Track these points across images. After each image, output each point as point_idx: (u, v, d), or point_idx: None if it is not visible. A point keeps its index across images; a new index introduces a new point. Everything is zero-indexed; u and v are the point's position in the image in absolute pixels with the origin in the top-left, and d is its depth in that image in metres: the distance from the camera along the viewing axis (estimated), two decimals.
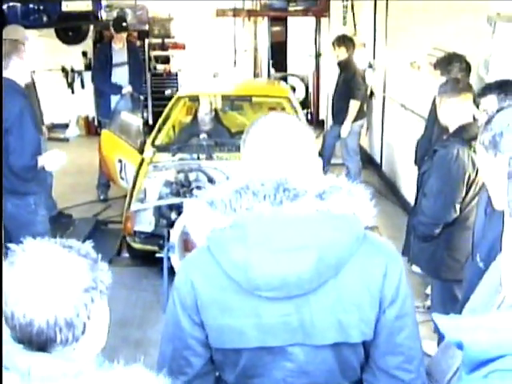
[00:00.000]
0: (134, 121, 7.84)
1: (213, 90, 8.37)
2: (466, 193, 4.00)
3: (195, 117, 7.80)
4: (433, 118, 5.18)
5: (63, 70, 12.53)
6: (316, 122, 12.51)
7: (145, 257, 6.27)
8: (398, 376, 1.93)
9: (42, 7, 10.25)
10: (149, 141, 7.18)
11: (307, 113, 12.79)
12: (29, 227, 4.78)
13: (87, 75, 12.01)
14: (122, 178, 7.41)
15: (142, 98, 9.30)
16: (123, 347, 4.75)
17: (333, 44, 8.51)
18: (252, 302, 1.84)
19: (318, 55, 12.68)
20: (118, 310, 5.25)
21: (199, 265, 1.94)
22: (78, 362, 1.48)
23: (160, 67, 12.91)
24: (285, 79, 12.31)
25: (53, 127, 11.32)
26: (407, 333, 1.92)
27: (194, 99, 8.03)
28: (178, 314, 1.95)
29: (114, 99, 8.63)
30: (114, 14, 11.51)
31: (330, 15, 11.63)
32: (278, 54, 14.16)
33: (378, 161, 9.58)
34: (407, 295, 1.93)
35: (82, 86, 12.58)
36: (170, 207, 6.00)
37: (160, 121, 7.69)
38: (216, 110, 8.02)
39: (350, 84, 8.34)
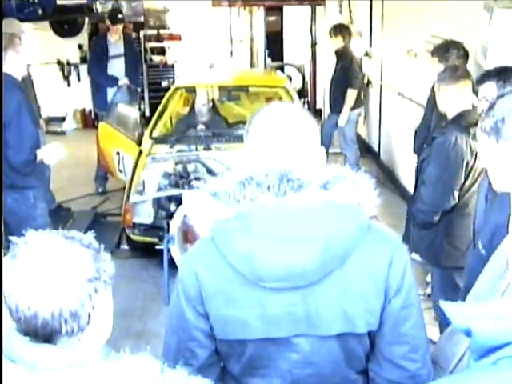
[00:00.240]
0: (131, 113, 7.82)
1: (210, 80, 8.35)
2: (465, 180, 3.99)
3: (192, 108, 7.79)
4: (431, 106, 5.18)
5: (59, 63, 12.48)
6: (313, 112, 12.49)
7: (144, 249, 6.28)
8: (404, 365, 1.93)
9: (36, 0, 10.19)
10: (146, 132, 7.16)
11: (304, 102, 12.77)
12: (29, 221, 4.78)
13: (83, 68, 12.00)
14: (120, 171, 7.41)
15: (138, 89, 9.27)
16: (125, 339, 4.75)
17: (329, 33, 8.49)
18: (256, 293, 1.83)
19: (314, 44, 12.66)
20: (119, 301, 5.20)
21: (203, 256, 1.93)
22: (84, 353, 1.48)
23: (156, 59, 12.87)
24: (281, 69, 12.27)
25: (49, 120, 11.29)
26: (412, 322, 1.91)
27: (191, 90, 8.01)
28: (183, 305, 1.94)
29: (111, 91, 8.60)
30: (109, 6, 11.46)
31: (325, 4, 11.58)
32: (274, 44, 14.15)
33: (376, 149, 9.57)
34: (412, 284, 1.92)
35: (78, 79, 12.54)
36: (169, 199, 6.00)
37: (157, 112, 7.67)
38: (213, 101, 8.01)
39: (347, 73, 8.33)
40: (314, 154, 1.90)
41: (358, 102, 8.55)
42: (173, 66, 12.81)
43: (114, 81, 8.64)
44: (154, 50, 12.91)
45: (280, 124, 1.86)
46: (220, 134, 7.09)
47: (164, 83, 12.23)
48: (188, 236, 5.88)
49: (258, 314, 1.85)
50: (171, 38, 13.07)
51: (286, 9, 14.17)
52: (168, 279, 5.60)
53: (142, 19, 12.82)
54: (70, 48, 12.44)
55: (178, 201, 5.86)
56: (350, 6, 10.32)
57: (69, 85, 12.64)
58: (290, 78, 10.96)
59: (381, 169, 9.05)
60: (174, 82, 11.18)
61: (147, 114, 11.72)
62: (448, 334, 2.12)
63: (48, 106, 10.10)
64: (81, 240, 1.55)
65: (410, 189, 6.78)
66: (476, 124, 3.79)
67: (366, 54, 9.43)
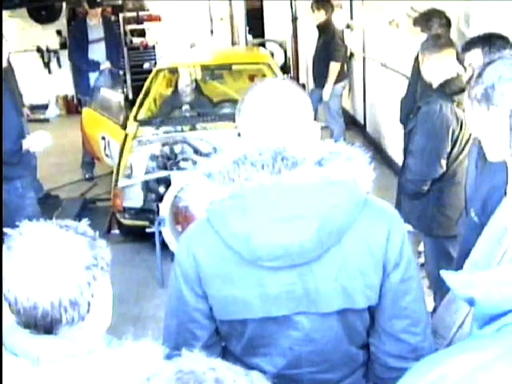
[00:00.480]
0: (115, 97, 7.76)
1: (192, 60, 8.29)
2: (452, 148, 3.99)
3: (176, 89, 7.75)
4: (416, 76, 5.17)
5: (38, 50, 12.38)
6: None
7: (136, 232, 6.26)
8: (405, 339, 1.93)
9: None
10: (131, 116, 7.11)
11: (287, 77, 12.73)
12: (19, 211, 4.76)
13: (63, 54, 11.90)
14: (106, 155, 7.38)
15: (120, 73, 9.22)
16: (121, 324, 4.74)
17: (311, 7, 8.46)
18: (255, 273, 1.83)
19: (294, 19, 12.58)
20: (113, 286, 5.24)
21: (200, 237, 1.92)
22: (87, 342, 1.48)
23: (136, 41, 12.78)
24: (263, 45, 12.23)
25: (32, 108, 11.22)
26: (412, 296, 1.91)
27: (174, 71, 7.97)
28: (181, 287, 1.94)
29: (93, 76, 8.56)
30: None
31: None
32: (255, 21, 14.07)
33: (362, 122, 9.57)
34: (411, 258, 1.92)
35: (59, 65, 12.46)
36: (158, 181, 5.98)
37: (141, 95, 7.63)
38: (196, 81, 7.97)
39: (329, 46, 8.31)
40: (307, 130, 1.88)
41: (342, 75, 8.54)
42: (154, 48, 12.73)
43: (95, 65, 8.59)
44: (133, 32, 12.83)
45: (273, 101, 1.84)
46: (205, 114, 7.07)
47: (146, 65, 12.13)
48: (179, 217, 5.87)
49: (257, 294, 1.85)
50: (151, 19, 12.99)
51: None
52: (161, 262, 5.61)
53: (120, 1, 12.71)
54: (49, 34, 12.34)
55: (167, 183, 5.86)
56: None
57: (49, 71, 12.56)
58: (272, 54, 10.92)
59: (367, 141, 9.05)
60: (155, 63, 11.12)
61: (130, 97, 11.65)
62: (446, 303, 2.13)
63: (30, 94, 10.03)
64: (76, 228, 1.54)
65: (398, 160, 6.80)
66: (461, 92, 3.83)
67: (348, 27, 9.39)
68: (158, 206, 5.77)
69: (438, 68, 4.08)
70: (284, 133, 1.82)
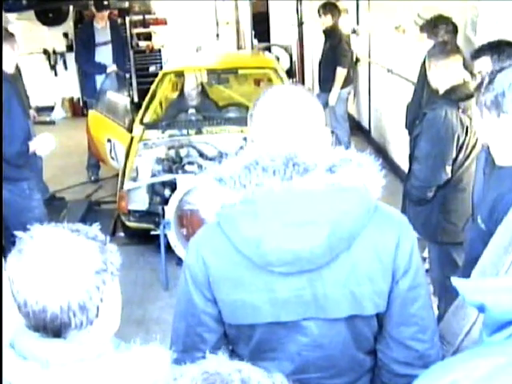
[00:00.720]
0: (121, 100, 7.78)
1: (198, 64, 8.31)
2: (457, 154, 3.99)
3: (182, 92, 7.76)
4: (422, 82, 5.17)
5: (45, 52, 12.40)
6: None
7: (140, 235, 6.27)
8: (413, 346, 1.94)
9: None
10: (137, 119, 7.13)
11: (292, 82, 12.74)
12: (25, 213, 4.79)
13: (70, 56, 11.93)
14: (112, 158, 7.39)
15: (127, 76, 9.23)
16: (125, 326, 4.75)
17: (318, 12, 8.47)
18: (265, 277, 1.83)
19: (300, 24, 12.60)
20: None
21: (209, 241, 1.93)
22: (95, 346, 1.48)
23: (142, 44, 12.79)
24: (268, 49, 12.24)
25: (38, 110, 11.22)
26: (420, 303, 1.92)
27: (180, 75, 7.98)
28: (190, 290, 1.94)
29: (99, 79, 8.57)
30: None
31: None
32: (261, 25, 14.08)
33: (367, 127, 9.57)
34: (419, 265, 1.92)
35: (65, 68, 12.47)
36: (163, 184, 5.99)
37: (147, 98, 7.64)
38: (202, 85, 7.98)
39: (336, 51, 8.32)
40: (319, 136, 1.89)
41: (348, 80, 8.55)
42: (160, 51, 12.74)
43: (102, 68, 8.60)
44: (140, 36, 12.84)
45: (285, 107, 1.85)
46: (211, 118, 7.08)
47: (151, 68, 12.18)
48: (184, 221, 5.88)
49: (266, 298, 1.86)
50: (157, 22, 13.00)
51: None
52: (165, 265, 5.62)
53: (126, 5, 12.73)
54: (56, 37, 12.35)
55: (172, 186, 5.86)
56: None
57: (56, 74, 12.57)
58: (278, 59, 10.94)
59: (372, 146, 9.04)
60: (161, 67, 11.13)
61: (136, 100, 11.67)
62: (454, 309, 2.13)
63: (36, 96, 10.05)
64: (86, 233, 1.54)
65: (403, 165, 6.79)
66: (467, 98, 3.83)
67: (354, 32, 9.39)
68: (163, 209, 5.77)
69: (445, 74, 4.08)
70: (295, 139, 1.83)
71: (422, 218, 4.25)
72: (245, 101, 7.71)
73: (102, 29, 8.89)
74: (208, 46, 12.45)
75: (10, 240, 4.80)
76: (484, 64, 3.42)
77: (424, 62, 4.71)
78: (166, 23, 13.04)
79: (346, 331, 1.92)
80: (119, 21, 11.83)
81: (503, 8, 4.42)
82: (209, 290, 1.92)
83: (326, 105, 8.41)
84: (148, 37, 12.87)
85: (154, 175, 6.09)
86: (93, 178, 8.55)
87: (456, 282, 1.27)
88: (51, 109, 12.40)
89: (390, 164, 8.01)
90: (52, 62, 12.49)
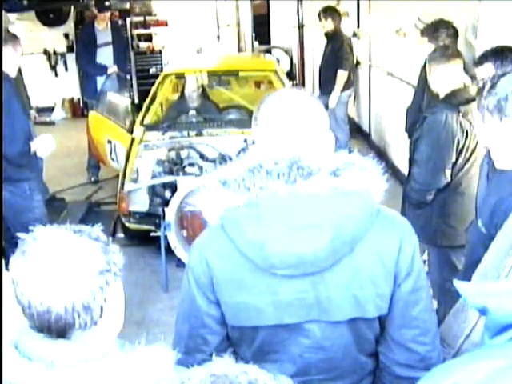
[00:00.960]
0: (122, 101, 7.79)
1: (200, 66, 8.32)
2: (457, 158, 4.00)
3: (182, 94, 7.78)
4: (422, 85, 5.19)
5: (45, 52, 12.41)
6: None
7: (140, 236, 6.28)
8: (414, 348, 1.95)
9: None
10: (138, 120, 7.13)
11: (293, 85, 12.75)
12: (26, 213, 4.79)
13: (70, 57, 11.95)
14: (112, 159, 7.39)
15: (127, 77, 9.23)
16: (125, 327, 4.76)
17: (319, 16, 8.48)
18: (268, 280, 1.84)
19: (301, 26, 12.61)
20: None
21: (213, 243, 1.93)
22: (100, 346, 1.49)
23: (143, 45, 12.81)
24: (269, 52, 12.25)
25: (38, 111, 11.24)
26: (422, 306, 1.93)
27: (181, 76, 7.99)
28: (194, 292, 1.95)
29: (100, 80, 8.57)
30: None
31: None
32: (261, 27, 14.10)
33: (367, 130, 9.58)
34: (421, 268, 1.94)
35: (66, 68, 12.50)
36: (164, 186, 6.00)
37: (148, 100, 7.65)
38: (203, 86, 7.99)
39: (337, 54, 8.33)
40: (323, 140, 1.90)
41: (349, 83, 8.56)
42: (160, 52, 12.76)
43: (103, 69, 8.59)
44: (140, 37, 12.86)
45: (290, 111, 1.86)
46: (211, 120, 7.09)
47: (152, 70, 12.19)
48: (184, 222, 5.89)
49: (270, 301, 1.87)
50: (158, 24, 13.02)
51: None
52: (165, 266, 5.62)
53: (127, 6, 12.74)
54: (56, 37, 12.38)
55: (173, 187, 5.87)
56: None
57: (56, 74, 12.59)
58: (278, 61, 10.95)
59: (372, 149, 9.06)
60: (161, 68, 11.14)
61: (136, 101, 11.67)
62: (455, 312, 2.15)
63: (36, 97, 10.05)
64: (89, 233, 1.55)
65: (402, 168, 6.81)
66: (467, 102, 3.84)
67: (354, 35, 9.41)
68: (163, 211, 5.78)
69: (446, 78, 4.09)
70: (300, 142, 1.84)
71: (421, 221, 4.26)
72: (245, 103, 7.73)
73: (103, 30, 8.89)
74: (209, 48, 12.47)
75: (11, 241, 4.83)
76: (487, 71, 3.43)
77: (424, 65, 4.72)
78: (166, 24, 13.06)
79: (349, 334, 1.94)
80: (120, 22, 11.84)
81: (504, 12, 4.43)
82: (212, 292, 1.93)
83: (326, 107, 8.28)
84: (149, 38, 12.88)
85: (154, 177, 6.10)
86: (93, 179, 8.55)
87: (458, 284, 1.28)
88: (51, 109, 12.41)
89: (389, 167, 8.02)
90: (52, 63, 12.52)
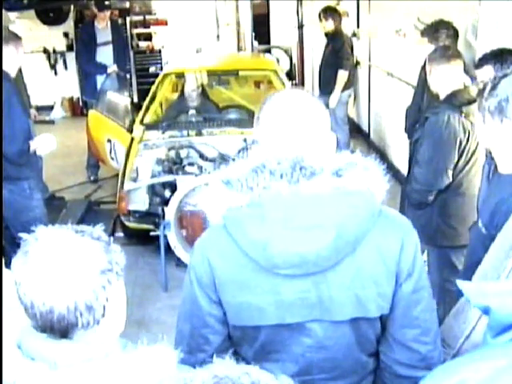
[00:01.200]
0: (121, 100, 7.78)
1: (200, 65, 8.32)
2: (458, 159, 4.01)
3: (182, 93, 7.77)
4: (422, 86, 5.18)
5: (45, 51, 12.41)
6: None
7: (140, 236, 6.28)
8: (415, 348, 1.96)
9: None
10: (137, 119, 7.13)
11: (292, 84, 12.75)
12: (26, 212, 4.79)
13: (70, 56, 11.95)
14: (111, 158, 7.39)
15: (127, 76, 9.23)
16: (125, 326, 4.77)
17: (319, 16, 8.48)
18: (270, 280, 1.85)
19: (301, 26, 12.62)
20: None
21: (215, 243, 1.94)
22: (103, 346, 1.49)
23: (143, 44, 12.82)
24: (268, 51, 12.25)
25: (37, 109, 11.24)
26: (423, 305, 1.94)
27: (180, 76, 7.99)
28: (195, 292, 1.96)
29: (100, 79, 8.57)
30: None
31: None
32: (261, 27, 14.10)
33: (366, 130, 9.59)
34: (422, 268, 1.95)
35: (65, 67, 12.49)
36: (164, 185, 6.00)
37: (147, 99, 7.65)
38: (203, 86, 7.99)
39: (338, 54, 8.33)
40: (325, 140, 1.91)
41: (349, 83, 8.56)
42: (160, 52, 12.77)
43: (102, 68, 8.59)
44: (140, 36, 12.87)
45: (291, 111, 1.86)
46: (211, 119, 7.09)
47: (151, 69, 12.18)
48: (183, 222, 5.90)
49: (272, 300, 1.87)
50: (157, 23, 13.03)
51: None
52: (165, 266, 5.62)
53: (127, 5, 12.74)
54: (56, 36, 12.38)
55: (173, 187, 5.88)
56: None
57: (56, 73, 12.59)
58: (278, 61, 10.95)
59: (371, 149, 9.07)
60: (161, 67, 11.14)
61: (135, 100, 11.68)
62: (455, 313, 2.15)
63: (35, 95, 10.05)
64: (91, 233, 1.55)
65: (401, 168, 6.81)
66: (468, 103, 3.85)
67: (354, 35, 9.41)
68: (163, 210, 5.79)
69: (446, 79, 4.09)
70: (302, 143, 1.85)
71: (421, 221, 4.26)
72: (245, 103, 7.73)
73: (103, 29, 8.89)
74: (208, 48, 12.47)
75: (10, 240, 4.81)
76: (487, 73, 3.43)
77: (424, 65, 4.73)
78: (166, 24, 13.06)
79: (350, 333, 1.94)
80: (119, 21, 11.84)
81: (504, 13, 4.43)
82: (214, 291, 1.93)
83: (326, 107, 8.40)
84: (148, 37, 12.89)
85: (154, 176, 6.10)
86: (92, 178, 8.56)
87: (461, 284, 1.29)
88: (50, 108, 12.41)
89: (389, 167, 8.00)
90: (52, 62, 12.51)
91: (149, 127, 6.90)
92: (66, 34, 12.41)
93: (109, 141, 7.32)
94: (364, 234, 1.83)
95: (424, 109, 5.00)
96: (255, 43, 13.30)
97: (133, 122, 7.13)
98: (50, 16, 12.06)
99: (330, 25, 8.36)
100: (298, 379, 1.97)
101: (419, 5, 6.46)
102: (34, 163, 5.16)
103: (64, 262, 1.47)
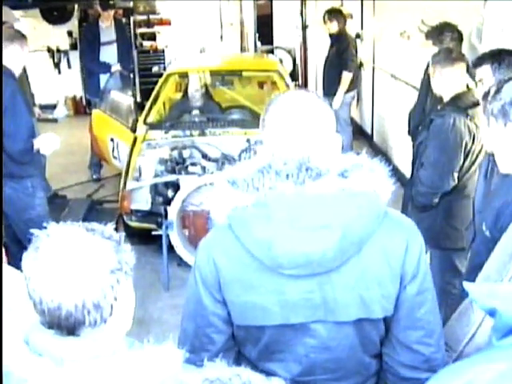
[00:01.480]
0: (125, 99, 7.78)
1: (203, 65, 8.32)
2: (464, 161, 4.02)
3: (185, 93, 7.78)
4: (425, 88, 5.18)
5: (49, 50, 12.41)
6: None
7: (142, 235, 6.27)
8: (419, 350, 1.96)
9: None
10: (141, 119, 7.13)
11: (295, 85, 12.76)
12: (28, 210, 4.80)
13: (73, 55, 11.95)
14: (114, 157, 7.39)
15: (131, 75, 9.24)
16: None
17: (323, 18, 8.49)
18: (275, 280, 1.85)
19: (304, 27, 12.61)
20: None
21: (220, 243, 1.94)
22: (109, 344, 1.50)
23: (146, 44, 12.82)
24: (272, 52, 12.26)
25: (41, 108, 11.25)
26: (427, 307, 1.94)
27: (184, 76, 8.00)
28: (200, 291, 1.96)
29: (103, 78, 8.57)
30: None
31: None
32: (264, 27, 14.11)
33: (369, 132, 9.59)
34: (427, 270, 1.95)
35: (69, 66, 12.49)
36: (166, 184, 6.00)
37: (151, 98, 7.66)
38: (206, 86, 8.00)
39: (342, 56, 8.34)
40: (331, 141, 1.91)
41: (352, 85, 8.56)
42: (163, 51, 12.76)
43: (106, 67, 8.60)
44: (144, 36, 12.87)
45: (297, 112, 1.87)
46: (214, 119, 7.09)
47: (155, 69, 12.17)
48: (186, 222, 5.90)
49: (276, 300, 1.88)
50: (161, 22, 13.03)
51: None
52: (167, 265, 5.63)
53: (131, 4, 12.75)
54: (60, 35, 12.36)
55: (175, 186, 5.88)
56: None
57: (59, 72, 12.58)
58: (281, 61, 10.96)
59: (374, 151, 9.06)
60: (164, 67, 11.14)
61: (138, 99, 11.67)
62: (458, 315, 2.16)
63: (39, 94, 10.06)
64: (102, 232, 1.55)
65: (404, 171, 6.81)
66: (473, 106, 3.86)
67: (358, 36, 9.42)
68: (165, 210, 5.79)
69: (450, 82, 4.10)
70: (308, 144, 1.85)
71: (425, 223, 4.23)
72: (248, 103, 7.74)
73: (107, 28, 8.90)
74: (212, 48, 12.47)
75: (12, 238, 4.80)
76: (485, 72, 3.44)
77: (427, 68, 4.73)
78: (170, 24, 13.07)
79: (354, 334, 1.95)
80: (123, 20, 11.83)
81: (509, 16, 4.44)
82: (219, 291, 1.94)
83: None
84: (152, 37, 12.89)
85: (156, 175, 6.10)
86: (95, 177, 8.56)
87: (467, 286, 1.29)
88: (53, 107, 12.40)
89: (392, 169, 8.01)
90: (56, 60, 12.51)
91: (152, 127, 6.91)
92: (69, 33, 12.40)
93: (112, 140, 7.32)
94: (369, 235, 1.84)
95: (428, 111, 5.01)
96: (258, 44, 13.31)
97: (136, 121, 7.12)
98: (54, 15, 12.06)
99: (334, 27, 8.36)
100: (301, 379, 1.99)
101: (423, 7, 6.45)
102: (37, 161, 5.18)
103: (74, 260, 1.47)
